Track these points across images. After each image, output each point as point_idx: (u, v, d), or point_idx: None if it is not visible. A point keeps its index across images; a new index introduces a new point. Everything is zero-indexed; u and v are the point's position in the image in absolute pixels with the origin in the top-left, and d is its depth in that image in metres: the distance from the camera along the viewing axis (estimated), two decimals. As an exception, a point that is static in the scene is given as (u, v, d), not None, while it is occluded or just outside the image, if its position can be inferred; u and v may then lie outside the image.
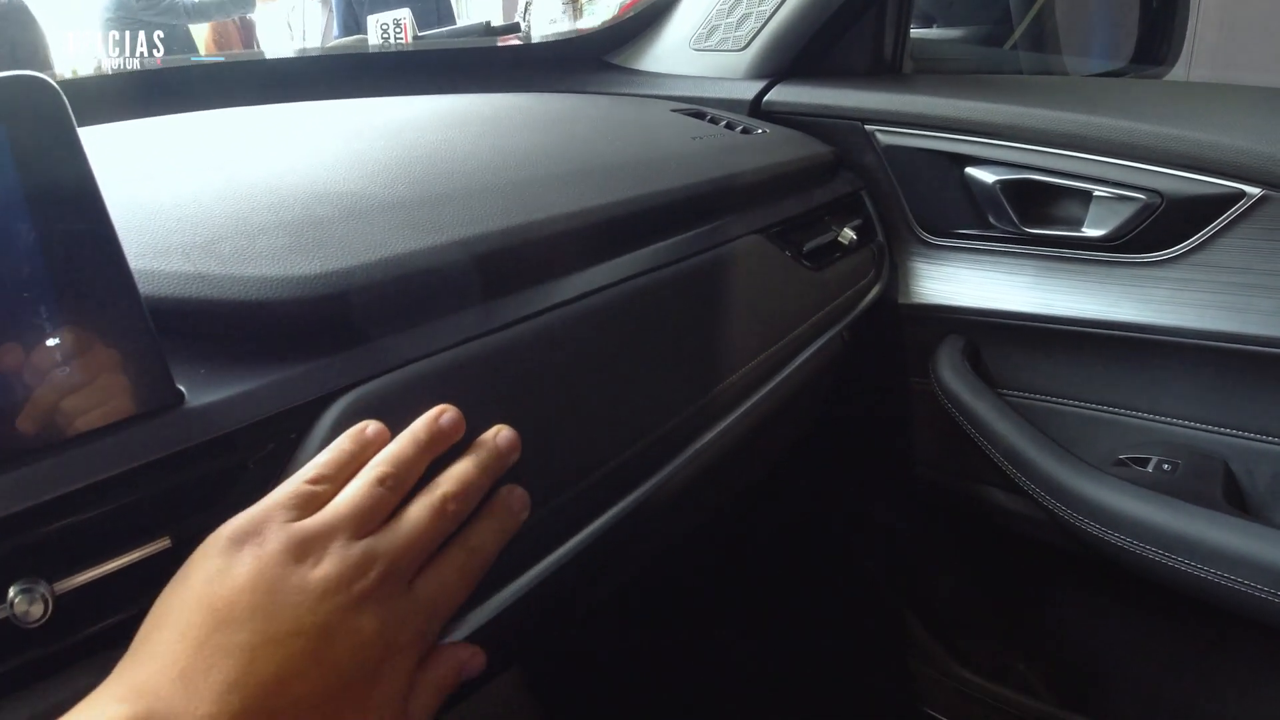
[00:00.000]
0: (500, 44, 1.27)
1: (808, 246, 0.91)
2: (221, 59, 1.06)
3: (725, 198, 0.83)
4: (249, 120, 0.82)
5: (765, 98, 1.07)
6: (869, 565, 1.24)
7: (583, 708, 1.19)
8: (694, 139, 0.91)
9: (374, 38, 1.44)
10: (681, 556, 1.22)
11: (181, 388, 0.46)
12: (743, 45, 1.09)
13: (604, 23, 1.29)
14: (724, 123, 1.00)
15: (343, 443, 0.46)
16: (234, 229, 0.54)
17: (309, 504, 0.42)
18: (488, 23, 1.37)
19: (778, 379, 0.85)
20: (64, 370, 0.44)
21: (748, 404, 0.80)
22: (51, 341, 0.43)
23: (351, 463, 0.45)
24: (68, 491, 0.42)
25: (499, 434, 0.51)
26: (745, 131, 0.99)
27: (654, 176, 0.78)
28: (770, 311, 0.85)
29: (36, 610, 0.40)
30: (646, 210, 0.74)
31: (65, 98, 0.44)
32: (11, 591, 0.40)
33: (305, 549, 0.40)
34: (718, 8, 1.11)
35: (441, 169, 0.68)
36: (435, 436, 0.47)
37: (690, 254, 0.76)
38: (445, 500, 0.45)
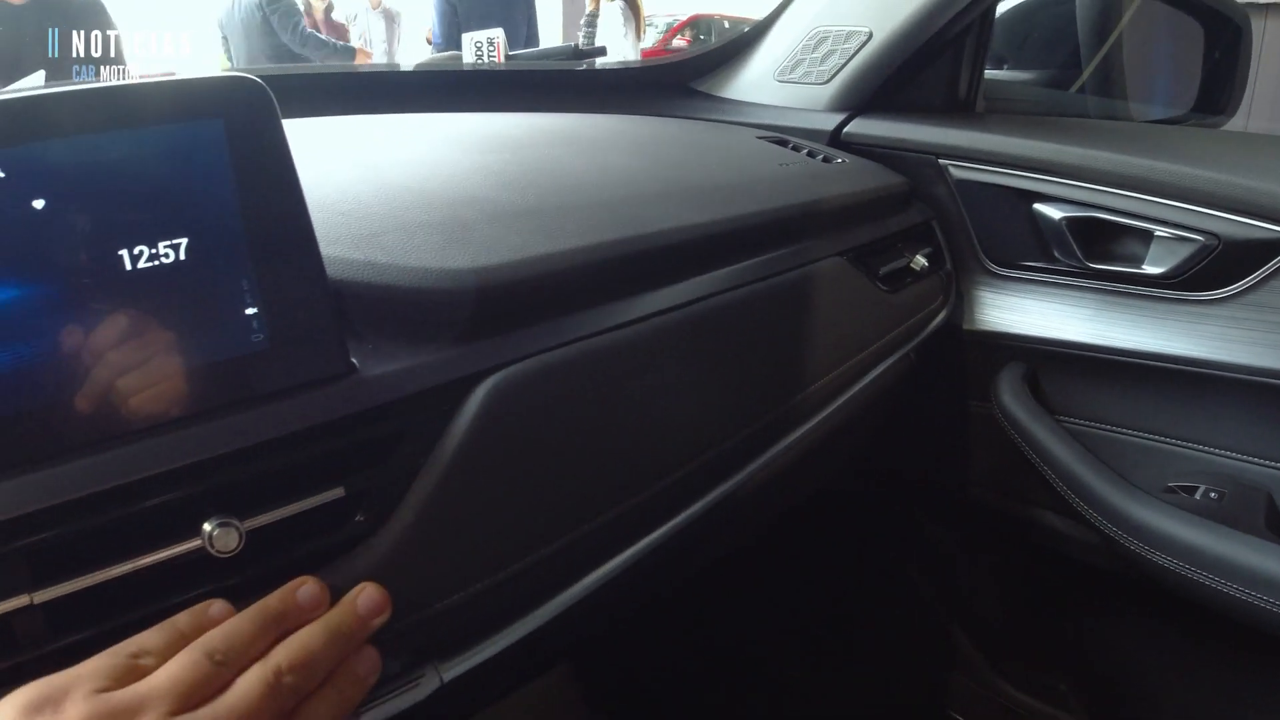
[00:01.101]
0: (591, 68, 1.34)
1: (883, 270, 0.97)
2: (352, 69, 1.14)
3: (810, 221, 0.89)
4: (383, 127, 0.89)
5: (845, 129, 1.13)
6: (916, 580, 1.28)
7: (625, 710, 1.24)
8: (780, 165, 0.97)
9: (469, 55, 1.53)
10: (732, 562, 1.28)
11: (354, 360, 0.53)
12: (826, 79, 1.15)
13: (656, 46, 1.36)
14: (805, 151, 1.06)
15: (177, 620, 0.42)
16: (393, 225, 0.61)
17: (125, 676, 0.38)
18: (575, 46, 1.44)
19: (849, 393, 0.90)
20: (258, 337, 0.51)
21: (822, 415, 0.86)
22: (250, 311, 0.50)
23: (182, 641, 0.41)
24: (257, 442, 0.49)
25: (361, 594, 0.47)
26: (826, 160, 1.05)
27: (746, 198, 0.84)
28: (847, 330, 0.90)
29: (231, 542, 0.47)
30: (740, 229, 0.80)
31: (274, 97, 0.51)
32: (208, 526, 0.47)
33: None
34: (804, 43, 1.18)
35: (562, 183, 0.75)
36: (285, 611, 0.44)
37: (778, 272, 0.82)
38: (279, 673, 0.40)
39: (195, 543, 0.46)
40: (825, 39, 1.16)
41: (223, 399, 0.49)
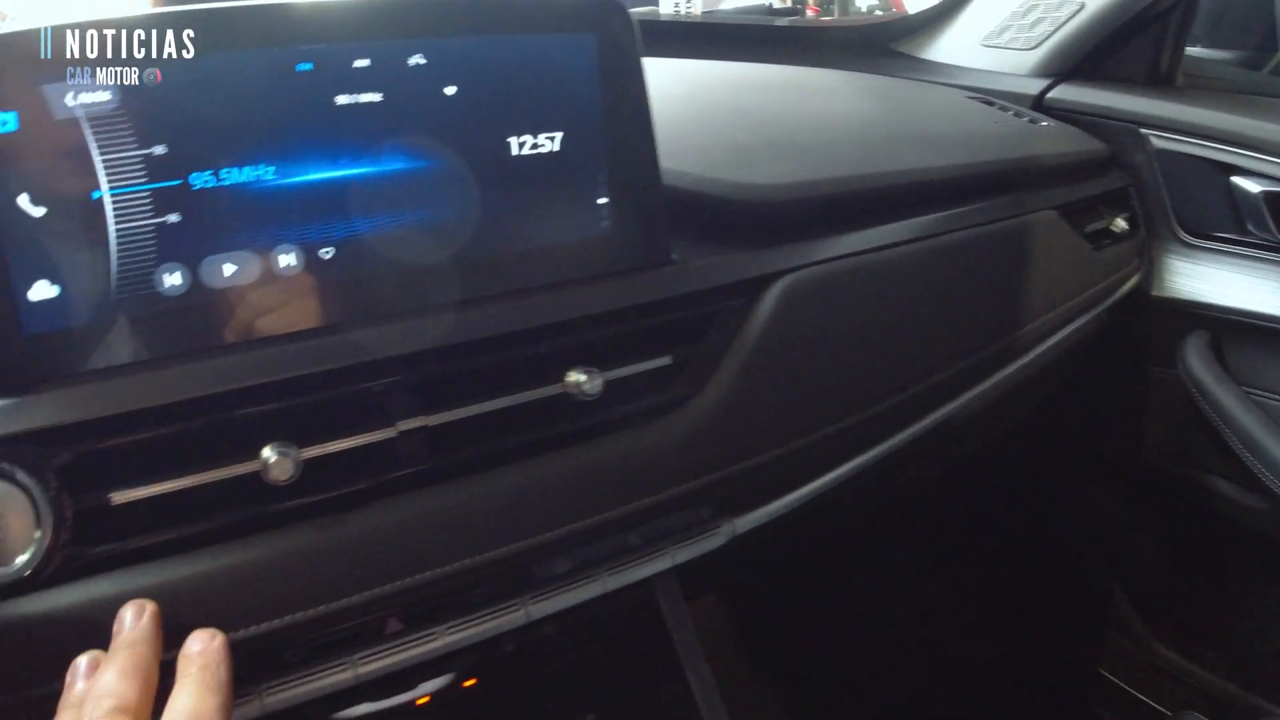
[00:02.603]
0: (797, 24, 1.40)
1: (1087, 229, 1.01)
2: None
3: (1026, 175, 0.95)
4: (682, 68, 0.98)
5: (1048, 94, 1.17)
6: (1078, 539, 1.32)
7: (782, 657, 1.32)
8: (995, 122, 1.02)
9: (666, 8, 1.60)
10: (898, 512, 1.34)
11: (674, 255, 0.61)
12: (1033, 45, 1.19)
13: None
14: (1011, 112, 1.11)
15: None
16: (717, 144, 0.69)
17: None
18: (770, 4, 1.51)
19: (1048, 343, 0.96)
20: (606, 224, 0.60)
21: (1024, 359, 0.92)
22: (601, 200, 0.59)
23: None
24: (606, 310, 0.58)
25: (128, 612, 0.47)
26: (1032, 122, 1.09)
27: (970, 149, 0.90)
28: (1055, 280, 0.95)
29: (596, 387, 0.55)
30: (970, 175, 0.86)
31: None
32: (572, 375, 0.55)
33: None
34: (1013, 9, 1.22)
35: (816, 121, 0.83)
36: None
37: (1000, 218, 0.87)
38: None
39: (557, 388, 0.55)
40: (1035, 6, 1.19)
41: (578, 273, 0.58)
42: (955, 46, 1.27)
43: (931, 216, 0.80)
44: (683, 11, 1.47)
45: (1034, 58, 1.20)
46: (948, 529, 1.38)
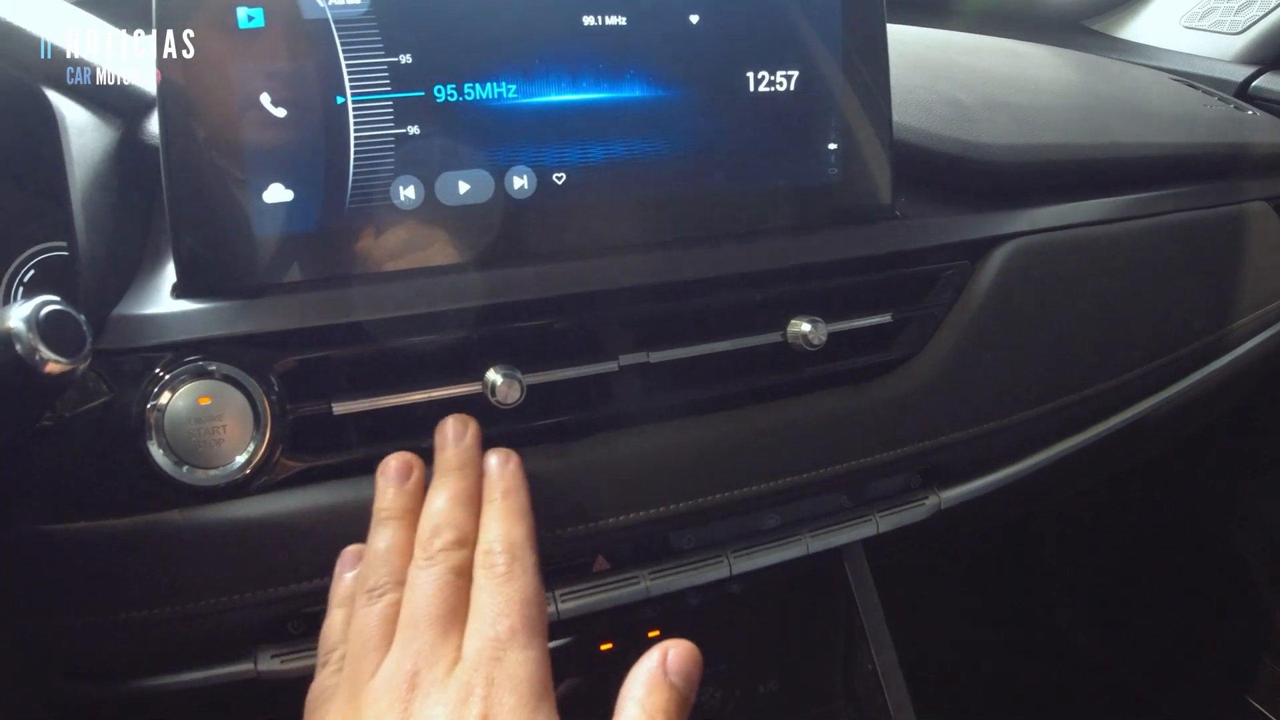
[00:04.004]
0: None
1: (1299, 225, 0.94)
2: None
3: (1240, 163, 0.88)
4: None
5: (1254, 83, 1.09)
6: (1246, 554, 1.24)
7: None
8: (1204, 105, 0.95)
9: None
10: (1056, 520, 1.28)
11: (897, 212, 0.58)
12: (1239, 30, 1.11)
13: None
14: (1215, 98, 1.04)
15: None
16: (938, 100, 0.66)
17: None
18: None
19: (1252, 342, 0.89)
20: (833, 171, 0.57)
21: (1229, 357, 0.85)
22: (831, 146, 0.56)
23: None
24: (824, 261, 0.55)
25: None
26: (1238, 110, 1.02)
27: (1186, 129, 0.84)
28: (1265, 275, 0.89)
29: (820, 337, 0.53)
30: (1188, 156, 0.80)
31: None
32: (797, 324, 0.53)
33: None
34: (1216, -11, 1.14)
35: (1031, 86, 0.78)
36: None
37: (1215, 203, 0.81)
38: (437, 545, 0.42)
39: (778, 336, 0.53)
40: (1247, -13, 1.11)
41: (804, 219, 0.56)
42: (1153, 27, 1.19)
43: (1150, 194, 0.75)
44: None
45: (1239, 43, 1.11)
46: (1106, 532, 1.31)
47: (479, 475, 0.45)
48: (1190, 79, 1.11)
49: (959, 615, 1.27)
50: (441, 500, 0.43)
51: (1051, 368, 0.63)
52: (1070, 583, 1.33)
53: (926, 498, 0.59)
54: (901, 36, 0.92)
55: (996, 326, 0.59)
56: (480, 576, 0.40)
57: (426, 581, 0.40)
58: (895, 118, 0.61)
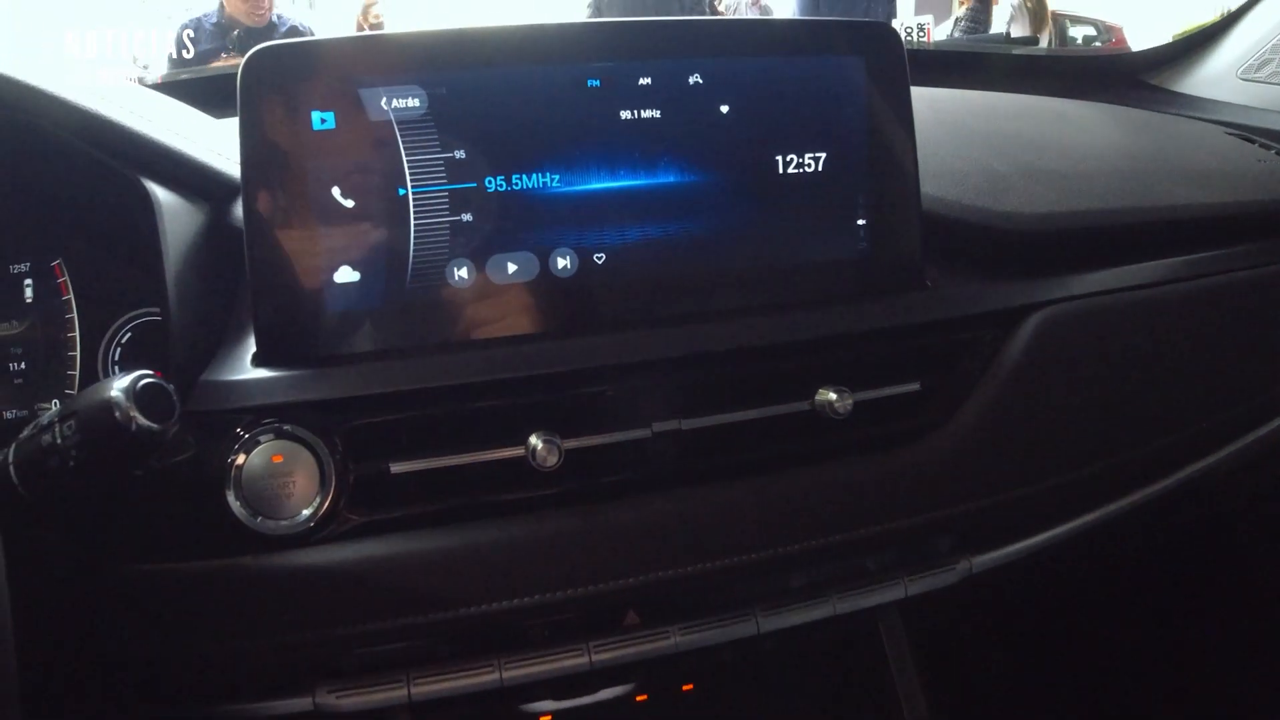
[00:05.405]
0: (1032, 52, 1.36)
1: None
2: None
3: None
4: (933, 95, 0.97)
5: (1314, 134, 1.08)
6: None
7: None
8: (1258, 160, 0.95)
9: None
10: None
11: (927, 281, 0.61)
12: (1299, 81, 1.10)
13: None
14: (1274, 150, 1.03)
15: None
16: (973, 170, 0.68)
17: None
18: (1007, 33, 1.46)
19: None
20: (862, 244, 0.60)
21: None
22: (860, 221, 0.59)
23: None
24: (852, 332, 0.58)
25: None
26: (1298, 163, 1.01)
27: (1234, 187, 0.84)
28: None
29: (846, 406, 0.55)
30: (1237, 215, 0.80)
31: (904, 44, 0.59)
32: (824, 394, 0.56)
33: None
34: (1273, 42, 1.13)
35: (1070, 151, 0.80)
36: None
37: (1266, 263, 0.81)
38: None
39: (807, 405, 0.56)
40: (1302, 39, 1.11)
41: (833, 292, 0.59)
42: (1209, 79, 1.19)
43: (1195, 256, 0.75)
44: (915, 40, 1.45)
45: (1300, 94, 1.11)
46: (1173, 597, 1.28)
47: None
48: (1249, 131, 1.10)
49: (1010, 689, 1.26)
50: None
51: (1087, 433, 0.64)
52: (1133, 656, 1.30)
53: (958, 562, 0.61)
54: (946, 103, 0.94)
55: (1028, 393, 0.61)
56: None
57: None
58: (928, 189, 0.64)
